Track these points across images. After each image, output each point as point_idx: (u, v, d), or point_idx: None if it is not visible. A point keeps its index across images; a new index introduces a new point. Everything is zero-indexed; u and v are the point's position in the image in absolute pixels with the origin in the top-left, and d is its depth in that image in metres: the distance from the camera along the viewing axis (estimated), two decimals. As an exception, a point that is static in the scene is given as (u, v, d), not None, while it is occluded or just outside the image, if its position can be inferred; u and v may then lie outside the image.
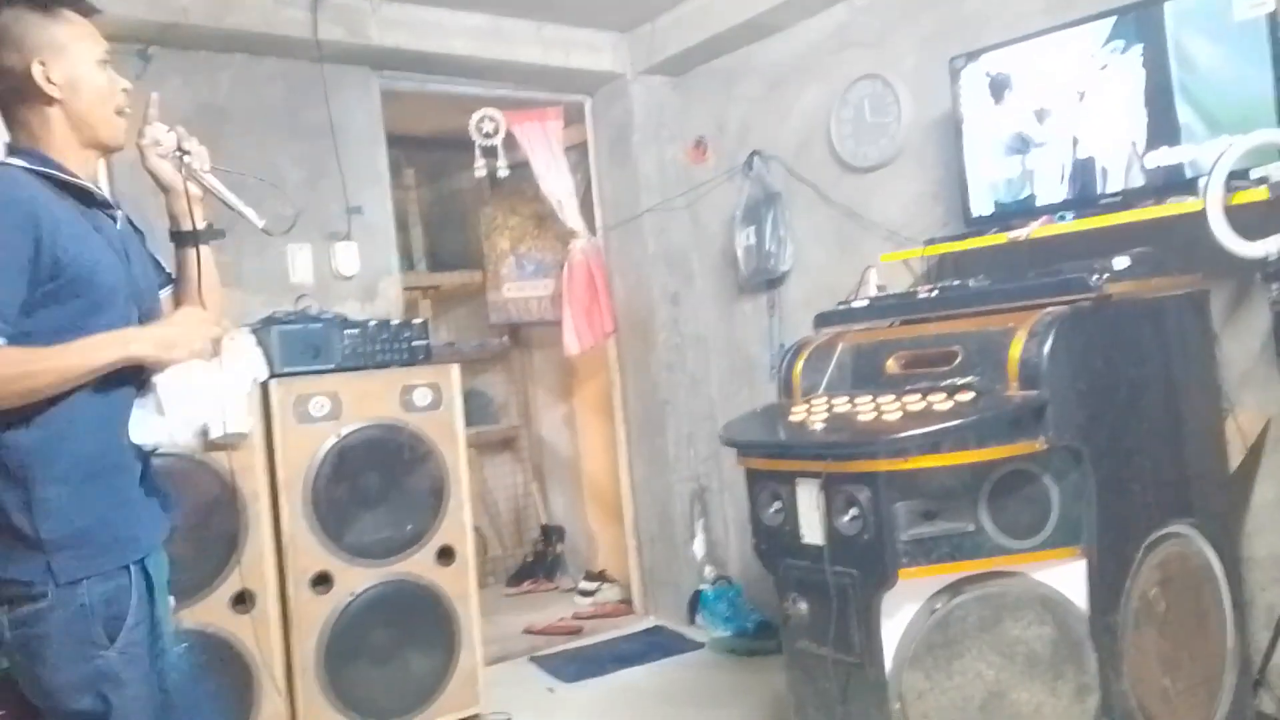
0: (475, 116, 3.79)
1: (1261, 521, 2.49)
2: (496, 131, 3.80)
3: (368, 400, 2.87)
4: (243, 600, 2.63)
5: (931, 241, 2.87)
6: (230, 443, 1.60)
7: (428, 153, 4.86)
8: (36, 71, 1.50)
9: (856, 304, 2.58)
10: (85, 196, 1.56)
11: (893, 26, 3.22)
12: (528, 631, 4.07)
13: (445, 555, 2.95)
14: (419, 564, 2.91)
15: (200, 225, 1.73)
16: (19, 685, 1.49)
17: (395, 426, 2.90)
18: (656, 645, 3.78)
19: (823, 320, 2.60)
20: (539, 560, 4.91)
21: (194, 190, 1.70)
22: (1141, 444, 2.13)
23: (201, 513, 2.59)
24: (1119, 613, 2.05)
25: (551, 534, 4.98)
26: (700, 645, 3.71)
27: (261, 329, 2.81)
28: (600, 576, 4.48)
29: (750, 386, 3.82)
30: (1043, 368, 1.95)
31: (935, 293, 2.39)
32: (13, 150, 1.55)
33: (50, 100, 1.52)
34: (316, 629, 2.74)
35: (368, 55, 3.42)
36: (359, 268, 3.43)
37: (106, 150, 1.63)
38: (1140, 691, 2.08)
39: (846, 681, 2.09)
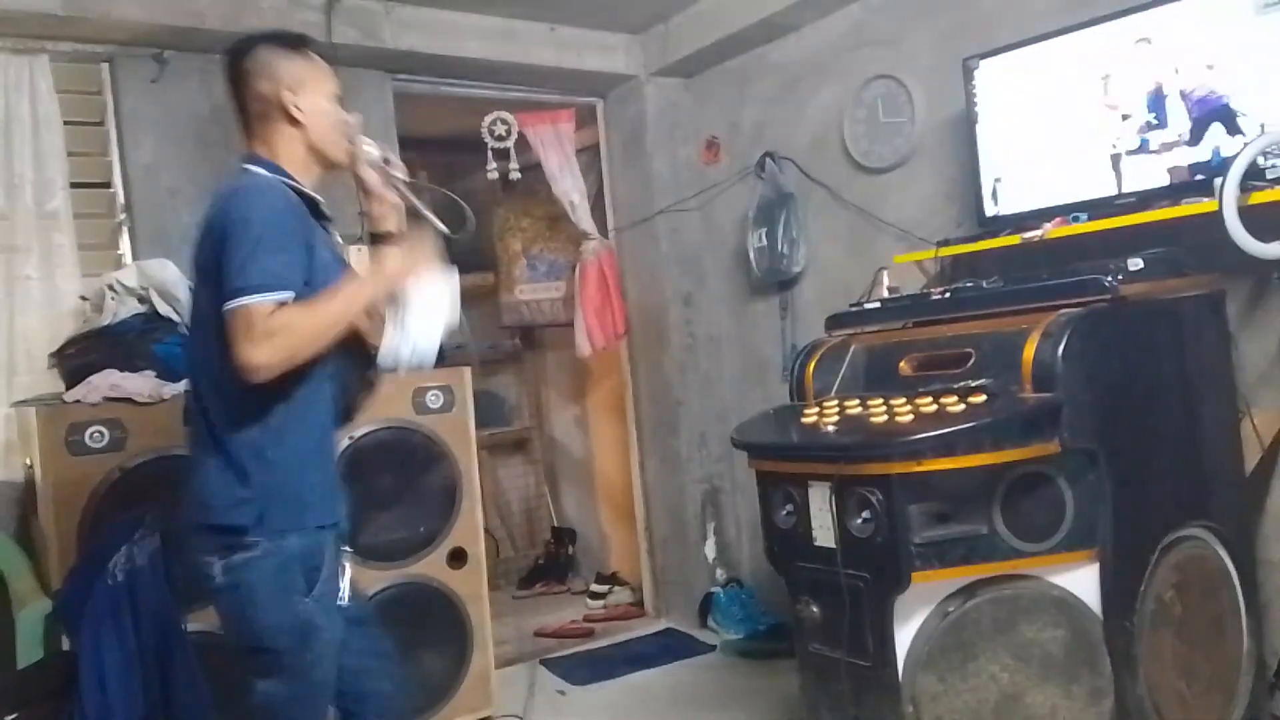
0: (487, 119, 3.80)
1: (1278, 523, 2.46)
2: (509, 133, 3.81)
3: (380, 402, 2.84)
4: (256, 601, 2.64)
5: (945, 243, 2.85)
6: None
7: (440, 155, 4.86)
8: (286, 98, 1.78)
9: (869, 305, 2.57)
10: (314, 208, 1.83)
11: (908, 26, 3.21)
12: (539, 634, 4.07)
13: (457, 557, 2.95)
14: (431, 566, 2.91)
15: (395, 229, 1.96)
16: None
17: (408, 428, 2.90)
18: (668, 648, 3.77)
19: (835, 322, 2.59)
20: (550, 562, 4.91)
21: (392, 198, 1.92)
22: (1157, 446, 2.12)
23: (215, 514, 2.60)
24: (1134, 615, 2.04)
25: (563, 536, 4.98)
26: (712, 648, 3.70)
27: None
28: (612, 579, 4.47)
29: (763, 387, 3.81)
30: (1057, 369, 1.94)
31: (948, 294, 2.38)
32: (248, 159, 1.81)
33: (294, 123, 1.80)
34: (329, 630, 2.74)
35: (382, 58, 3.43)
36: (372, 270, 3.44)
37: (330, 168, 1.88)
38: (1156, 694, 2.07)
39: (859, 684, 2.09)
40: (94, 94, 3.09)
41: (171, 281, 2.68)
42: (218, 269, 1.65)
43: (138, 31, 2.99)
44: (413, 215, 1.95)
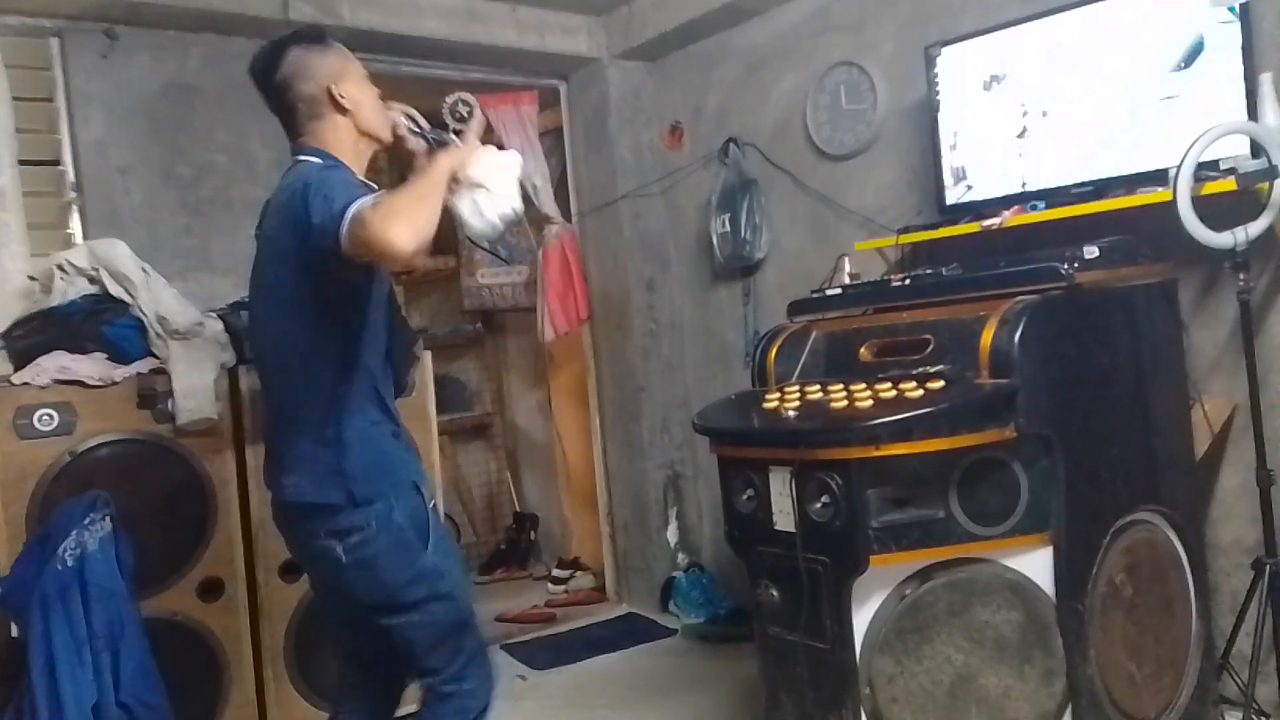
0: (448, 100, 3.72)
1: (1226, 508, 2.52)
2: (470, 115, 3.75)
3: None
4: (211, 588, 2.61)
5: (905, 230, 2.87)
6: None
7: (401, 136, 4.80)
8: (333, 91, 1.86)
9: (830, 292, 2.58)
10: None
11: (870, 12, 3.22)
12: (500, 619, 4.06)
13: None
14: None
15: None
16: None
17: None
18: (629, 632, 3.78)
19: (796, 308, 2.60)
20: (512, 548, 4.90)
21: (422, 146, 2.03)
22: (1110, 432, 2.15)
23: (169, 499, 2.56)
24: (1086, 598, 2.08)
25: (525, 521, 4.97)
26: (673, 632, 3.72)
27: (230, 314, 2.77)
28: (574, 564, 4.48)
29: (725, 373, 3.82)
30: (1013, 356, 1.96)
31: (908, 281, 2.40)
32: (299, 152, 1.89)
33: (343, 112, 1.88)
34: (285, 616, 2.72)
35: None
36: (331, 252, 3.39)
37: (379, 145, 1.97)
38: (1106, 675, 2.11)
39: (817, 667, 2.10)
40: (43, 69, 3.01)
41: (122, 261, 2.63)
42: (300, 247, 1.73)
43: (87, 5, 2.91)
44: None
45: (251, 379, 2.69)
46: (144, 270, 2.66)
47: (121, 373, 2.53)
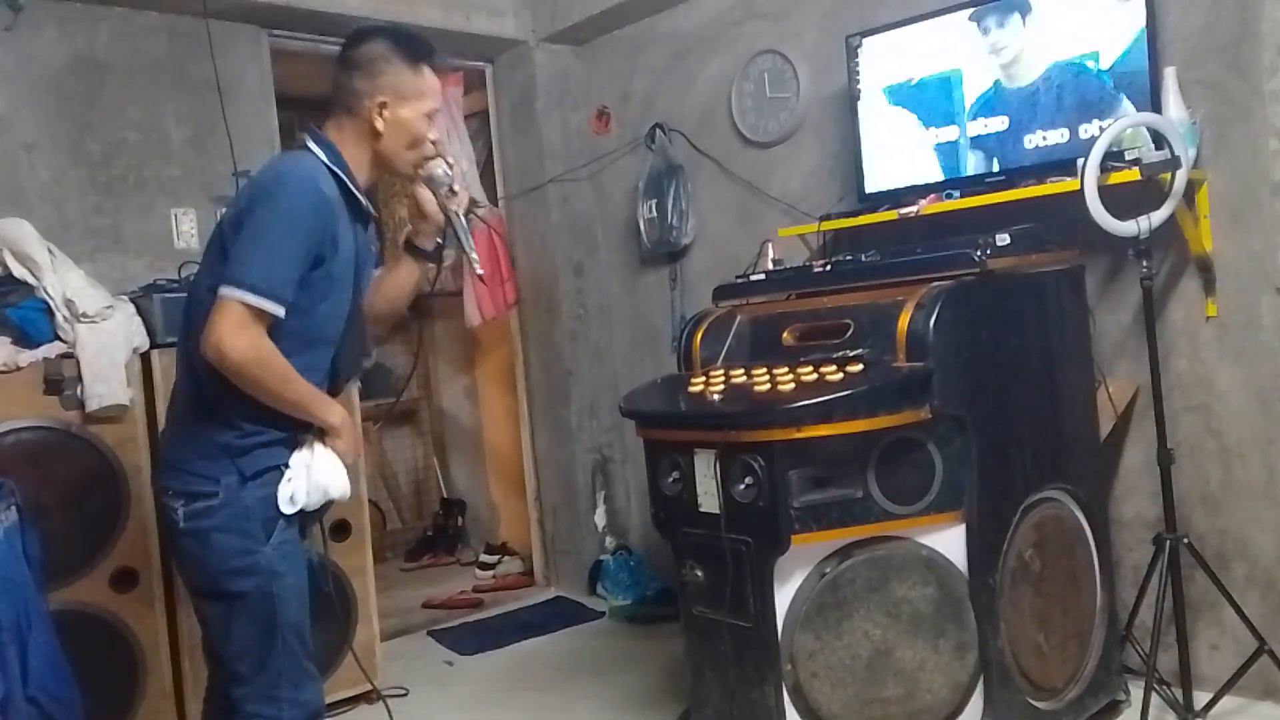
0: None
1: (1129, 485, 2.63)
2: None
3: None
4: (124, 578, 2.54)
5: (827, 217, 2.92)
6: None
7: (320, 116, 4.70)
8: (375, 112, 1.77)
9: (755, 277, 2.61)
10: (355, 205, 1.81)
11: (794, 1, 3.25)
12: (427, 605, 4.03)
13: (340, 530, 2.88)
14: (312, 538, 2.83)
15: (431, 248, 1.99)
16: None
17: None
18: (557, 615, 3.79)
19: (721, 293, 2.62)
20: (439, 533, 4.86)
21: (438, 220, 1.92)
22: (1021, 412, 2.23)
23: (79, 488, 2.48)
24: (997, 573, 2.15)
25: (452, 507, 4.93)
26: (601, 614, 3.74)
27: (143, 297, 2.69)
28: (501, 549, 4.46)
29: (653, 357, 3.84)
30: (929, 339, 2.02)
31: (829, 267, 2.44)
32: (314, 136, 1.81)
33: (374, 130, 1.79)
34: (205, 605, 2.65)
35: (257, 13, 3.28)
36: (249, 234, 3.30)
37: (393, 176, 1.92)
38: (1016, 646, 2.19)
39: (740, 644, 2.14)
40: (-61, 40, 2.87)
41: (27, 241, 2.53)
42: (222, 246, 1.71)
43: (-12, -26, 2.79)
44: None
45: (165, 363, 2.62)
46: (50, 251, 2.56)
47: (27, 357, 2.44)
